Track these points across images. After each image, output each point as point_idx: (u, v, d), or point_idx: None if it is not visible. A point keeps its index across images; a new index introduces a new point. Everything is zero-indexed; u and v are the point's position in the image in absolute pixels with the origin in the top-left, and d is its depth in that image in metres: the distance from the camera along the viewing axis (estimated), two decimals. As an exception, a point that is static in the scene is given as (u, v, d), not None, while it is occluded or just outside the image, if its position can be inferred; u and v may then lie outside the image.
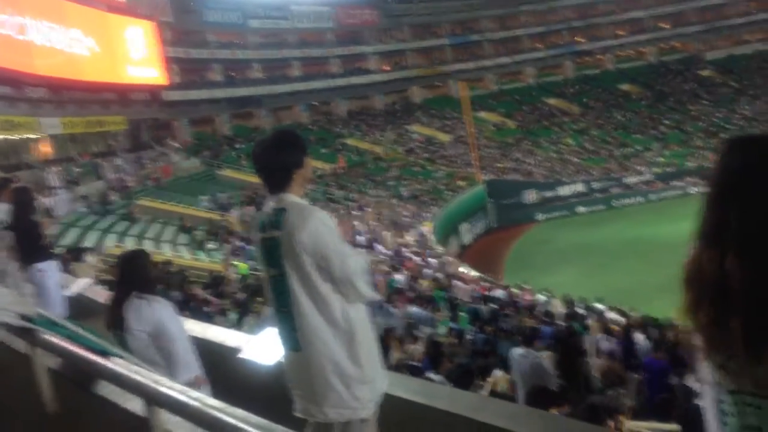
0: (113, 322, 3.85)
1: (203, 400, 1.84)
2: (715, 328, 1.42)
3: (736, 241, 1.43)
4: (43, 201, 22.53)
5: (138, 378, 2.08)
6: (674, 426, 5.72)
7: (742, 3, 67.67)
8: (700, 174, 48.76)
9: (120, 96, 39.12)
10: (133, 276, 3.96)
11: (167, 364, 3.74)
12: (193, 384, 3.66)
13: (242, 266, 19.49)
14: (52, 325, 3.00)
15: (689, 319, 1.50)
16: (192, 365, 3.86)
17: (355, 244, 25.81)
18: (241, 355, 4.31)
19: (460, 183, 45.66)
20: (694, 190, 46.39)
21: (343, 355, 2.78)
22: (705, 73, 65.66)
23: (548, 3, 66.85)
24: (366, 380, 2.84)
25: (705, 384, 1.53)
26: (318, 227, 2.74)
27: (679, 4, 67.22)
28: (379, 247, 26.85)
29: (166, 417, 2.08)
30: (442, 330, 12.63)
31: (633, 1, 67.79)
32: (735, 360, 1.40)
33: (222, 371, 4.43)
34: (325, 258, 2.74)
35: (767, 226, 1.41)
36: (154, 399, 2.00)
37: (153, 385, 1.99)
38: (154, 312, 3.79)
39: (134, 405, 2.30)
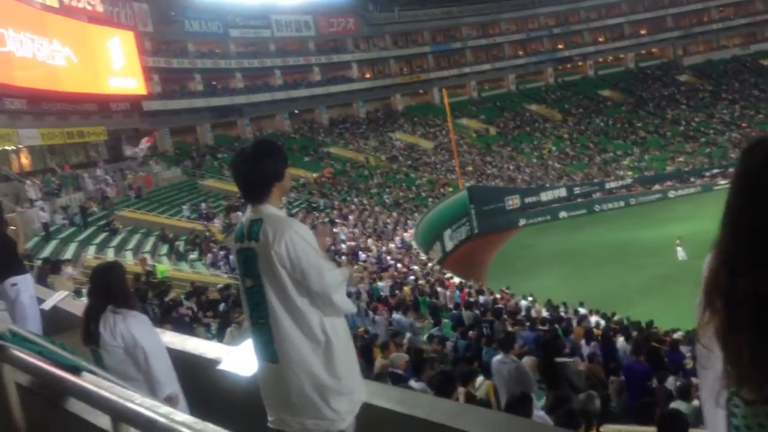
0: (88, 337, 3.78)
1: (171, 415, 1.81)
2: (763, 362, 1.32)
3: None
4: (42, 215, 22.38)
5: (105, 394, 2.05)
6: (653, 429, 5.75)
7: (719, 8, 68.54)
8: (680, 177, 49.38)
9: (100, 106, 38.88)
10: (108, 289, 3.88)
11: (145, 380, 3.69)
12: (171, 400, 3.61)
13: (161, 267, 19.38)
14: (22, 341, 2.96)
15: (719, 341, 1.41)
16: (170, 381, 3.80)
17: (338, 253, 25.80)
18: (220, 367, 4.25)
19: (448, 189, 45.76)
20: (673, 194, 46.94)
21: (320, 367, 2.76)
22: (683, 78, 66.43)
23: (528, 11, 67.36)
24: (344, 392, 2.82)
25: (715, 398, 1.48)
26: (294, 240, 2.71)
27: (657, 11, 68.01)
28: (363, 256, 26.86)
29: (134, 433, 2.06)
30: (424, 337, 12.64)
31: (611, 7, 68.52)
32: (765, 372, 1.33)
33: (201, 383, 4.38)
34: (302, 272, 2.70)
35: None
36: (121, 415, 1.97)
37: (120, 401, 1.96)
38: (129, 327, 3.71)
39: (104, 421, 2.27)
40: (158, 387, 3.68)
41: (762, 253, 1.33)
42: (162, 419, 1.75)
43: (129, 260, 22.02)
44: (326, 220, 33.41)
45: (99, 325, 3.71)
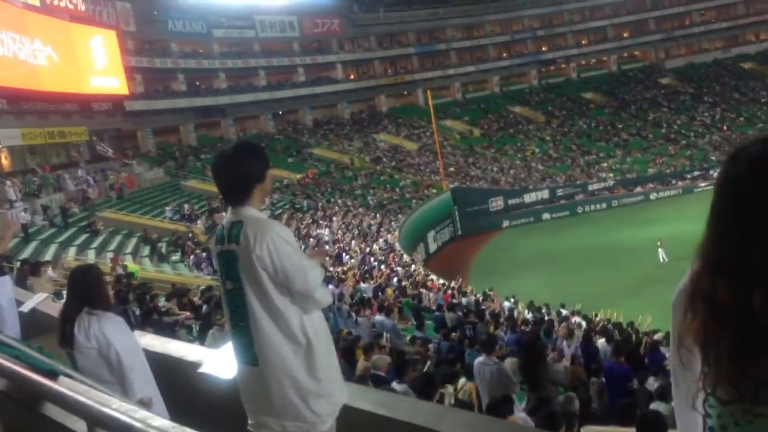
0: (63, 339, 3.75)
1: (148, 420, 1.80)
2: (734, 363, 1.35)
3: (763, 278, 1.33)
4: (22, 216, 22.09)
5: (81, 399, 2.03)
6: (633, 430, 5.79)
7: (701, 12, 69.25)
8: (662, 180, 49.84)
9: (81, 106, 38.55)
10: (86, 292, 3.85)
11: (118, 382, 3.66)
12: (145, 404, 3.58)
13: (132, 267, 19.30)
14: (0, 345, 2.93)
15: (697, 344, 1.43)
16: (145, 383, 3.77)
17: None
18: (201, 370, 4.22)
19: (432, 190, 45.85)
20: (654, 195, 47.33)
21: (301, 369, 2.75)
22: (665, 81, 67.01)
23: (512, 13, 67.65)
24: (323, 394, 2.81)
25: (692, 407, 1.50)
26: (276, 242, 2.69)
27: (640, 14, 68.58)
28: (346, 257, 26.84)
29: (110, 438, 2.03)
30: (407, 338, 12.65)
31: (595, 10, 68.98)
32: (741, 370, 1.35)
33: (182, 386, 4.36)
34: (285, 273, 2.69)
35: None
36: (96, 420, 1.95)
37: (96, 406, 1.94)
38: (103, 328, 3.69)
39: (81, 426, 2.25)
40: (130, 390, 3.65)
41: (743, 258, 1.35)
42: (138, 424, 1.74)
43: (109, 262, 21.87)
44: (315, 234, 33.30)
45: (74, 327, 3.69)
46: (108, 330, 3.70)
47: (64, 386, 2.35)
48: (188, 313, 12.15)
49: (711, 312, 1.39)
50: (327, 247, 28.00)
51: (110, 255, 21.55)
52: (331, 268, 23.21)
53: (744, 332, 1.35)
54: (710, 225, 1.44)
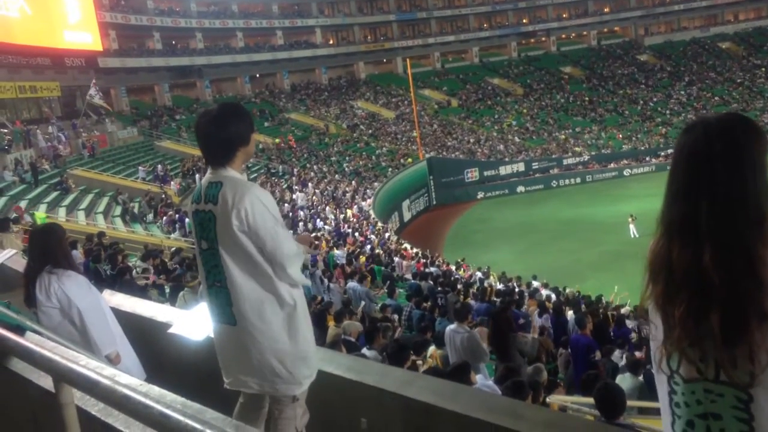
0: (27, 299, 3.72)
1: (116, 378, 1.79)
2: (690, 320, 1.41)
3: (711, 235, 1.40)
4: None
5: (47, 354, 2.01)
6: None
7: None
8: (636, 156, 50.22)
9: (54, 61, 37.68)
10: (45, 252, 3.82)
11: (82, 340, 3.64)
12: (111, 360, 3.57)
13: (39, 215, 19.12)
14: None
15: (659, 311, 1.48)
16: (110, 341, 3.76)
17: (295, 219, 25.71)
18: (171, 331, 4.23)
19: (408, 159, 45.76)
20: (628, 172, 47.74)
21: (281, 330, 2.75)
22: (643, 57, 67.21)
23: (494, -17, 67.18)
24: (302, 356, 2.82)
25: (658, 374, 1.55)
26: (254, 204, 2.66)
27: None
28: (320, 223, 26.81)
29: (77, 394, 2.03)
30: (379, 305, 12.72)
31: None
32: (702, 349, 1.41)
33: (152, 347, 4.36)
34: (258, 236, 2.66)
35: (738, 219, 1.40)
36: (63, 376, 1.93)
37: (62, 362, 1.92)
38: (64, 287, 3.67)
39: (47, 382, 2.24)
40: (96, 347, 3.65)
41: (692, 218, 1.44)
42: (105, 381, 1.72)
43: (81, 220, 21.63)
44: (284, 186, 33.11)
45: (35, 286, 3.66)
46: (69, 288, 3.67)
47: (31, 342, 2.33)
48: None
49: (668, 274, 1.46)
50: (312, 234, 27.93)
51: (15, 206, 20.86)
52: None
53: (695, 289, 1.41)
54: (666, 191, 1.54)
